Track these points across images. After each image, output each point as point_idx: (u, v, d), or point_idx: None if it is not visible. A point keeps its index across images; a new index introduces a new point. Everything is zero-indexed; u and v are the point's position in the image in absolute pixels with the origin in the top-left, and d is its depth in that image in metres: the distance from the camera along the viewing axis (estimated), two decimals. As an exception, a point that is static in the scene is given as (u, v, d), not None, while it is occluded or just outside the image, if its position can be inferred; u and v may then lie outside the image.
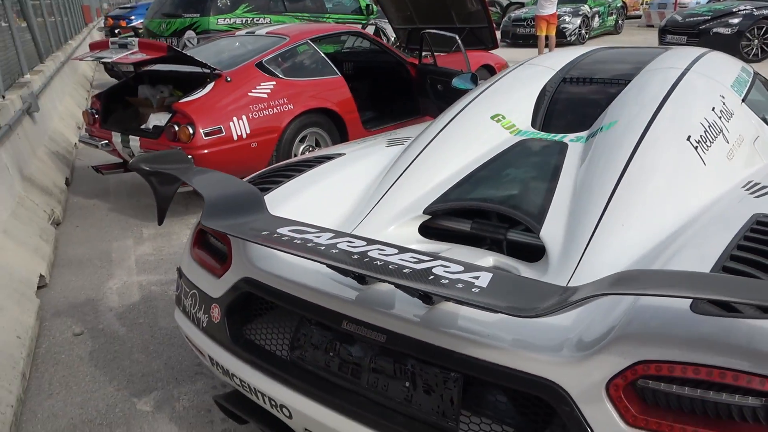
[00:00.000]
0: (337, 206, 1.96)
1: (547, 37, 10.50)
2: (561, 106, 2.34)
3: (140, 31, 10.10)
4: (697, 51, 2.56)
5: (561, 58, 2.73)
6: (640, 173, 1.70)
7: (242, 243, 1.72)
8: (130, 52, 3.67)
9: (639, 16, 17.84)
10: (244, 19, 7.46)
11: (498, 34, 14.46)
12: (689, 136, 1.84)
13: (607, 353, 1.12)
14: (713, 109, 2.01)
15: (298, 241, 1.36)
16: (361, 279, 1.45)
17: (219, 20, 7.27)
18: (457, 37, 4.44)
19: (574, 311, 1.24)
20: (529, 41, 12.74)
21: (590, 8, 13.86)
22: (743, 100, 2.21)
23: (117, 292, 3.19)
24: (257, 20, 7.55)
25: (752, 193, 1.71)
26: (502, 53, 12.47)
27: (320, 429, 1.48)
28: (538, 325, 1.25)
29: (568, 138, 2.08)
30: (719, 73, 2.30)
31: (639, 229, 1.55)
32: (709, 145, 1.86)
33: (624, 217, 1.58)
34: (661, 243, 1.50)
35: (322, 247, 1.32)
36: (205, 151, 3.67)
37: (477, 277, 1.16)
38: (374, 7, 9.12)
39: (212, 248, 1.90)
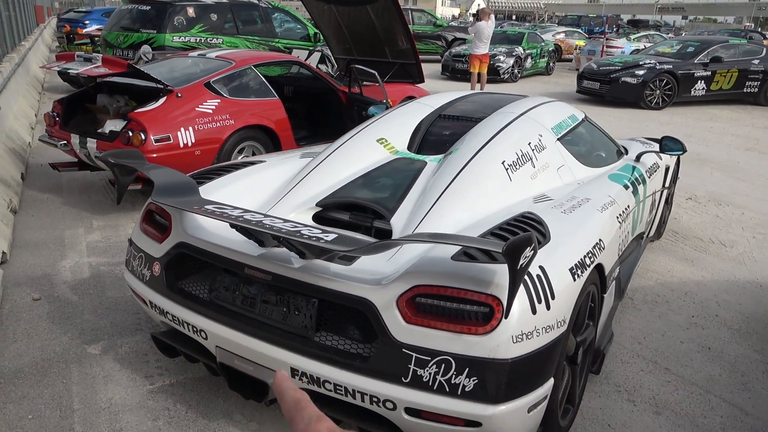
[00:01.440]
0: (253, 198, 2.66)
1: (479, 74, 11.55)
2: (432, 135, 3.13)
3: (96, 39, 10.52)
4: (540, 100, 3.42)
5: (442, 98, 3.54)
6: (461, 183, 2.48)
7: (179, 217, 2.39)
8: (95, 66, 4.26)
9: (571, 60, 19.40)
10: (198, 38, 8.08)
11: (440, 66, 15.61)
12: (504, 161, 2.65)
13: (398, 281, 1.86)
14: (529, 143, 2.83)
15: (218, 212, 2.05)
16: (260, 242, 2.15)
17: (175, 37, 7.87)
18: (377, 74, 5.24)
19: (383, 259, 1.99)
20: (466, 76, 13.82)
21: (524, 50, 15.15)
22: (558, 139, 3.05)
23: (70, 270, 3.74)
24: (211, 40, 8.19)
25: (537, 201, 2.53)
26: (443, 85, 13.57)
27: (226, 343, 2.16)
28: (361, 266, 1.99)
29: (429, 158, 2.86)
30: (545, 118, 3.14)
31: (452, 218, 2.32)
32: (517, 168, 2.67)
33: (444, 210, 2.35)
34: (465, 227, 2.27)
35: (234, 217, 2.02)
36: (155, 155, 4.28)
37: (327, 236, 1.88)
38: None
39: (156, 223, 2.55)
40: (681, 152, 3.60)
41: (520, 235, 1.60)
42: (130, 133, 4.28)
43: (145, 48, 7.59)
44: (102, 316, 3.19)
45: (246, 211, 2.13)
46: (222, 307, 2.21)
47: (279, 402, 0.59)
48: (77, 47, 10.61)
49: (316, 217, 2.58)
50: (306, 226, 1.99)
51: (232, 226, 2.07)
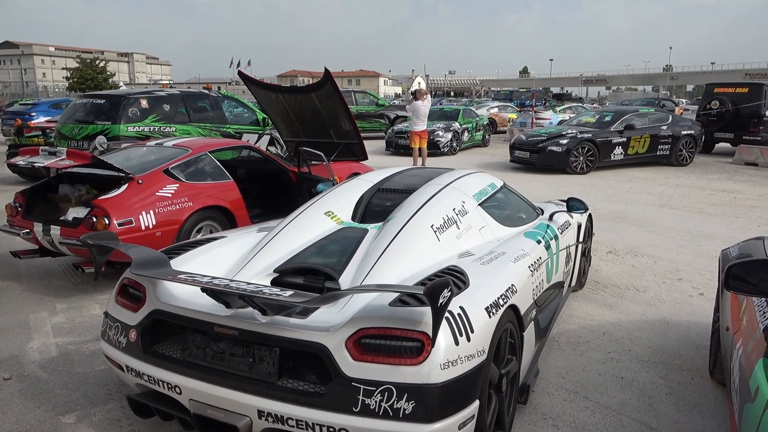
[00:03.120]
0: (218, 267, 3.03)
1: (420, 149, 12.39)
2: (372, 206, 3.62)
3: (48, 131, 10.79)
4: (464, 172, 3.99)
5: (381, 174, 4.07)
6: (397, 245, 2.95)
7: (153, 287, 2.73)
8: (59, 158, 4.61)
9: (506, 131, 20.86)
10: (152, 128, 8.53)
11: (383, 143, 16.53)
12: (432, 225, 3.15)
13: (346, 326, 2.27)
14: (454, 209, 3.36)
15: (190, 279, 2.42)
16: (226, 304, 2.51)
17: (129, 128, 8.29)
18: (323, 155, 5.79)
19: (334, 311, 2.41)
20: (408, 151, 14.70)
21: (460, 125, 16.32)
22: (479, 204, 3.60)
23: (38, 350, 3.92)
24: (164, 129, 8.65)
25: (461, 257, 3.01)
26: (387, 160, 14.35)
27: (199, 395, 2.47)
28: (315, 318, 2.38)
29: (370, 226, 3.33)
30: (468, 187, 3.70)
31: (390, 274, 2.76)
32: (444, 230, 3.17)
33: (384, 269, 2.80)
34: (401, 281, 2.71)
35: (204, 282, 2.39)
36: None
37: (285, 293, 2.28)
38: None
39: (130, 295, 2.87)
40: (584, 210, 4.22)
41: (436, 280, 2.06)
42: (94, 219, 4.59)
43: (101, 138, 7.96)
44: (73, 389, 3.39)
45: (214, 277, 2.51)
46: (194, 364, 2.53)
47: None
48: (28, 140, 10.83)
49: (275, 282, 2.96)
50: (267, 286, 2.39)
51: (203, 290, 2.44)
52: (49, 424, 3.04)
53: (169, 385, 2.55)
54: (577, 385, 3.44)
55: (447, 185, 3.63)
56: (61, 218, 4.96)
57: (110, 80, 53.57)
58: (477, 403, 2.34)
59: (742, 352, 2.28)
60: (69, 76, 54.25)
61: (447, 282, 2.08)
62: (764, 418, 1.69)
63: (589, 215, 5.11)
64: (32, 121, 12.36)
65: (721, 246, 4.83)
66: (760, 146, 14.34)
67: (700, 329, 4.27)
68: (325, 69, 6.62)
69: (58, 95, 44.11)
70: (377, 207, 3.60)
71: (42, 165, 4.59)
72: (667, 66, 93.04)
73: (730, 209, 8.80)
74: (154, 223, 4.86)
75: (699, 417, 3.13)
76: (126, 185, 4.91)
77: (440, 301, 2.04)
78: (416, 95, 12.51)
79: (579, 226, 4.67)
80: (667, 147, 13.19)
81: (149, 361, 2.64)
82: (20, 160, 4.81)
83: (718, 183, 11.30)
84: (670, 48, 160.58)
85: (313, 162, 6.42)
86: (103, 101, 8.69)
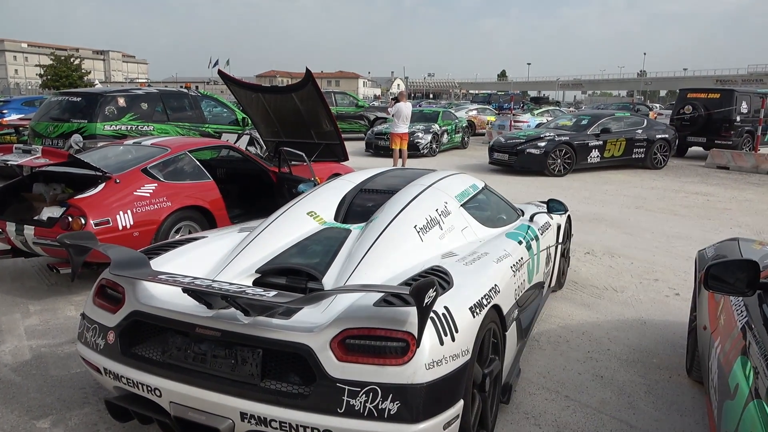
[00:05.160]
0: (199, 268, 2.98)
1: (401, 150, 12.41)
2: (355, 206, 3.61)
3: (21, 128, 10.55)
4: (446, 173, 4.00)
5: (363, 175, 4.06)
6: (380, 245, 2.94)
7: (132, 288, 2.67)
8: (34, 156, 4.51)
9: (484, 134, 21.00)
10: (129, 126, 8.39)
11: (363, 144, 16.51)
12: (415, 225, 3.15)
13: (330, 327, 2.25)
14: (436, 210, 3.37)
15: (171, 279, 2.38)
16: (208, 305, 2.48)
17: (106, 126, 8.14)
18: (304, 155, 5.76)
19: (317, 312, 2.39)
20: (388, 152, 14.71)
21: (440, 127, 16.39)
22: (462, 205, 3.61)
23: (10, 353, 3.82)
24: (142, 128, 8.51)
25: (444, 257, 3.02)
26: (367, 161, 14.33)
27: (180, 398, 2.43)
28: (298, 318, 2.36)
29: (353, 227, 3.32)
30: (450, 188, 3.71)
31: (374, 275, 2.75)
32: (427, 230, 3.17)
33: (367, 269, 2.78)
34: (385, 281, 2.70)
35: (186, 282, 2.35)
36: (94, 238, 4.49)
37: (268, 293, 2.25)
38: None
39: (108, 296, 2.81)
40: (563, 212, 4.26)
41: (422, 280, 2.05)
42: (70, 219, 4.49)
43: (76, 137, 7.80)
44: (48, 393, 3.31)
45: (195, 278, 2.47)
46: (175, 366, 2.48)
47: None
48: (1, 138, 10.57)
49: (257, 283, 2.93)
50: (249, 287, 2.36)
51: (184, 290, 2.41)
52: (23, 428, 2.96)
53: (149, 388, 2.51)
54: (558, 384, 3.47)
55: (429, 186, 3.64)
56: (35, 218, 4.84)
57: (85, 78, 52.51)
58: (461, 402, 2.35)
59: (721, 350, 2.33)
60: (42, 73, 53.04)
61: (432, 282, 2.08)
62: (744, 415, 1.72)
63: (568, 216, 5.17)
64: (4, 119, 12.04)
65: (695, 247, 4.93)
66: (732, 150, 14.68)
67: (676, 328, 4.34)
68: (307, 69, 6.59)
69: (31, 92, 43.10)
70: (360, 207, 3.59)
71: (16, 163, 4.48)
72: (641, 71, 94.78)
73: (703, 211, 8.99)
74: (132, 223, 4.78)
75: (677, 414, 3.19)
76: (103, 184, 4.81)
77: (426, 301, 2.04)
78: (398, 97, 12.56)
79: (558, 227, 4.72)
80: (642, 150, 13.43)
81: (128, 363, 2.58)
82: (-7, 158, 4.68)
83: (691, 186, 11.53)
84: (644, 54, 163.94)
85: (293, 162, 6.38)
86: (79, 99, 8.51)
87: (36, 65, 64.56)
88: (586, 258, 6.24)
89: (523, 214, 4.35)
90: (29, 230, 4.66)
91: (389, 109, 12.98)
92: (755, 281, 2.16)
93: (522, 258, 3.47)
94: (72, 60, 54.13)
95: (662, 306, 4.86)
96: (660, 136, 13.67)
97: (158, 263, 2.89)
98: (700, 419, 3.14)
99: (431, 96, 78.36)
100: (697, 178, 12.60)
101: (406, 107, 12.19)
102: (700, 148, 16.37)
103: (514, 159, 12.45)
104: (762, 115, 15.39)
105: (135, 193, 4.90)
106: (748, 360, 1.95)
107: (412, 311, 2.18)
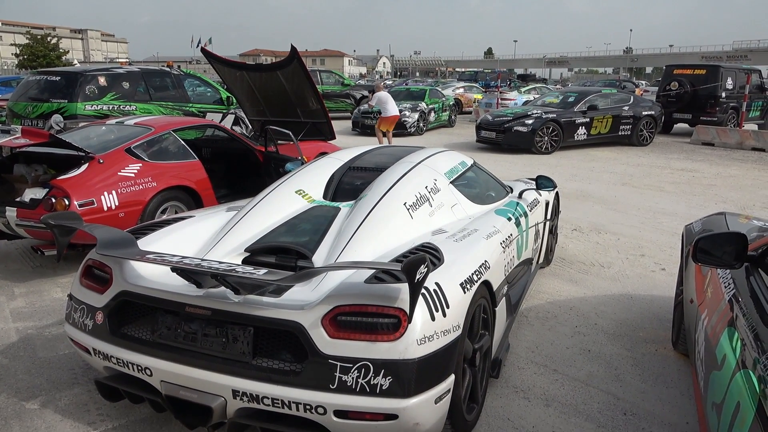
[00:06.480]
0: (187, 247, 2.95)
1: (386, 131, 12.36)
2: (344, 184, 3.58)
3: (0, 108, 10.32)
4: (435, 150, 3.98)
5: (351, 153, 4.02)
6: (370, 223, 2.92)
7: (119, 268, 2.64)
8: (14, 137, 4.40)
9: (471, 112, 20.95)
10: (111, 106, 8.24)
11: (350, 123, 16.40)
12: (405, 202, 3.13)
13: (322, 304, 2.24)
14: (426, 187, 3.35)
15: (159, 259, 2.35)
16: (197, 284, 2.45)
17: (87, 106, 7.98)
18: (291, 134, 5.69)
19: (308, 289, 2.38)
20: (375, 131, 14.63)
21: (427, 105, 16.30)
22: (451, 182, 3.60)
23: (-4, 336, 3.78)
24: (124, 107, 8.36)
25: (435, 234, 3.01)
26: (353, 140, 14.24)
27: (171, 377, 2.42)
28: (290, 296, 2.35)
29: (342, 205, 3.29)
30: (439, 165, 3.69)
31: (364, 252, 2.74)
32: (417, 207, 3.16)
33: (357, 246, 2.77)
34: (375, 258, 2.69)
35: (174, 261, 2.33)
36: (79, 219, 4.43)
37: (259, 271, 2.24)
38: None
39: (95, 276, 2.78)
40: (552, 188, 4.28)
41: (413, 257, 2.05)
42: (53, 200, 4.42)
43: (57, 117, 7.64)
44: (36, 374, 3.28)
45: (184, 257, 2.44)
46: (165, 345, 2.47)
47: None
48: (-23, 118, 10.33)
49: (246, 261, 2.91)
50: (239, 265, 2.34)
51: (173, 269, 2.38)
52: (12, 410, 2.94)
53: (139, 367, 2.49)
54: (547, 359, 3.51)
55: (418, 163, 3.61)
56: (18, 199, 4.75)
57: (63, 58, 51.33)
58: (452, 377, 2.36)
59: (708, 322, 2.36)
60: (18, 52, 51.76)
61: (424, 258, 2.07)
62: (731, 385, 1.75)
63: (557, 193, 5.18)
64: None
65: (681, 223, 4.98)
66: (717, 127, 14.80)
67: (662, 303, 4.40)
68: (292, 46, 6.47)
69: (6, 73, 42.11)
70: (349, 185, 3.56)
71: (-5, 143, 4.37)
72: (627, 48, 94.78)
73: (688, 187, 9.07)
74: (117, 203, 4.71)
75: (663, 386, 3.24)
76: (86, 165, 4.73)
77: (417, 277, 2.04)
78: (375, 89, 12.99)
79: (547, 204, 4.73)
80: (628, 127, 13.48)
81: (117, 343, 2.56)
82: (-29, 139, 4.57)
83: (677, 162, 11.62)
84: (631, 31, 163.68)
85: (280, 141, 6.32)
86: (58, 78, 8.32)
87: (11, 44, 62.83)
88: (574, 234, 6.28)
89: (512, 191, 4.35)
90: (11, 212, 4.58)
91: (371, 102, 13.01)
92: (743, 254, 2.18)
93: (511, 234, 3.48)
94: (49, 39, 52.84)
95: (648, 281, 4.92)
96: (646, 113, 13.73)
97: (145, 243, 2.86)
98: (686, 390, 3.20)
99: (417, 74, 77.90)
100: (683, 155, 12.70)
101: (385, 95, 12.37)
102: (686, 125, 16.48)
103: (502, 137, 12.45)
104: (747, 91, 15.50)
105: (119, 173, 4.83)
106: (736, 331, 1.98)
107: (404, 288, 2.17)
